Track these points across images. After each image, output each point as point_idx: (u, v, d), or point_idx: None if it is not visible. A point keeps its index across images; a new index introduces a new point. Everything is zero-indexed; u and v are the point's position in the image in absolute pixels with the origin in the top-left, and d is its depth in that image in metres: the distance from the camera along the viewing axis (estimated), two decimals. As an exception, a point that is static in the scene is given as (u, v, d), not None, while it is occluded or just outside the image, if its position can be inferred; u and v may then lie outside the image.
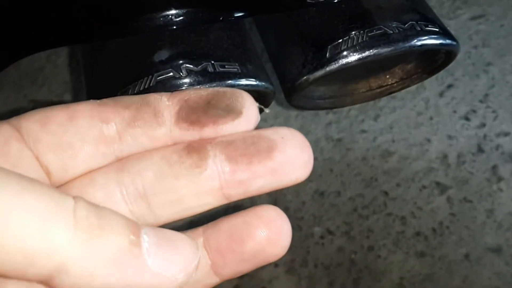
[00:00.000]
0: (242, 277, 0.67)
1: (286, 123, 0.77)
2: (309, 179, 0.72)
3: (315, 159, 0.74)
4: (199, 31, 0.42)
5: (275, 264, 0.68)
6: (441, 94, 0.75)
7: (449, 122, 0.73)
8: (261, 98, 0.44)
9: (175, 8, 0.39)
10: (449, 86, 0.75)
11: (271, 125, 0.77)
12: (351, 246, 0.68)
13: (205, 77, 0.39)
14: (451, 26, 0.78)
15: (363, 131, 0.74)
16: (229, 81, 0.40)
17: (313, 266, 0.68)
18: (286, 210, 0.74)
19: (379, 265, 0.66)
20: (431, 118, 0.73)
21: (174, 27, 0.40)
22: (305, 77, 0.43)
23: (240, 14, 0.39)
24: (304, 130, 0.76)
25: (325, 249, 0.68)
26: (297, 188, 0.73)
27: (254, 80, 0.41)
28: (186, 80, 0.39)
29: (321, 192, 0.72)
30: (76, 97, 0.83)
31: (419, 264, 0.66)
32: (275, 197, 0.72)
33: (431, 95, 0.75)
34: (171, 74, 0.39)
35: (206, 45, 0.41)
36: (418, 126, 0.73)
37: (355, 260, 0.67)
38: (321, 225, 0.70)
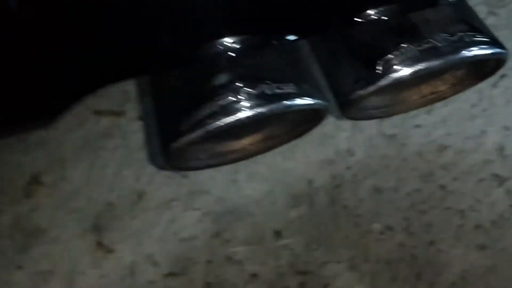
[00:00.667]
0: (306, 274, 0.70)
1: (337, 121, 0.78)
2: (365, 176, 0.74)
3: (369, 156, 0.76)
4: (253, 54, 0.44)
5: (337, 261, 0.70)
6: (494, 85, 0.74)
7: (504, 113, 0.72)
8: (316, 115, 0.46)
9: (230, 36, 0.42)
10: (502, 76, 0.74)
11: (324, 124, 0.79)
12: (411, 241, 0.70)
13: (262, 100, 0.41)
14: (501, 14, 0.77)
15: (417, 126, 0.75)
16: (286, 102, 0.42)
17: (375, 261, 0.69)
18: (344, 208, 0.76)
19: (441, 259, 0.67)
20: (485, 110, 0.73)
21: (231, 53, 0.42)
22: (358, 93, 0.45)
23: (292, 38, 0.41)
24: (357, 128, 0.77)
25: (385, 245, 0.70)
26: (354, 186, 0.74)
27: (309, 99, 0.43)
28: (246, 104, 0.41)
29: (378, 188, 0.73)
30: (138, 106, 0.87)
31: (480, 257, 0.66)
32: (332, 196, 0.74)
33: (484, 86, 0.74)
34: (231, 98, 0.42)
35: (261, 67, 0.43)
36: (473, 119, 0.73)
37: (416, 254, 0.68)
38: (380, 221, 0.71)
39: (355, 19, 0.41)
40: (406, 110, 0.56)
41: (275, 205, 0.75)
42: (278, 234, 0.73)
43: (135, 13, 0.38)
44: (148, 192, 0.78)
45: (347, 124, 0.78)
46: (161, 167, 0.48)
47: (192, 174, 0.79)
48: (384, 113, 0.54)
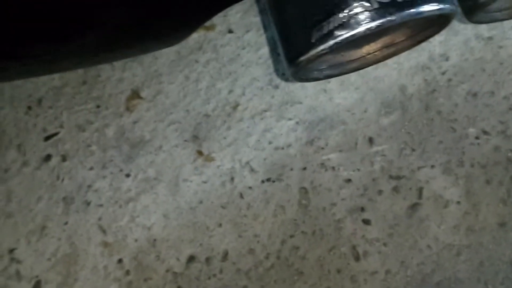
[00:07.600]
0: (399, 179, 0.72)
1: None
2: (460, 81, 0.74)
3: (466, 60, 0.75)
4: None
5: (432, 165, 0.71)
6: None
7: None
8: (440, 20, 0.46)
9: None
10: None
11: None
12: (508, 145, 0.70)
13: (394, 7, 0.41)
14: None
15: (516, 27, 0.73)
16: (416, 9, 0.42)
17: (470, 166, 0.71)
18: (438, 113, 0.76)
19: (540, 161, 0.68)
20: None
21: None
22: (488, -4, 0.44)
23: None
24: (452, 31, 0.75)
25: (480, 149, 0.71)
26: (448, 91, 0.74)
27: (438, 4, 0.42)
28: (378, 12, 0.42)
29: (474, 93, 0.73)
30: (226, 18, 0.87)
31: None
32: (426, 102, 0.74)
33: None
34: (363, 7, 0.42)
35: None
36: None
37: (513, 158, 0.69)
38: (476, 125, 0.72)
39: None
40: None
41: (367, 112, 0.76)
42: (370, 140, 0.75)
43: None
44: (241, 104, 0.81)
45: (440, 28, 0.77)
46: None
47: (283, 84, 0.80)
48: (508, 16, 0.53)
